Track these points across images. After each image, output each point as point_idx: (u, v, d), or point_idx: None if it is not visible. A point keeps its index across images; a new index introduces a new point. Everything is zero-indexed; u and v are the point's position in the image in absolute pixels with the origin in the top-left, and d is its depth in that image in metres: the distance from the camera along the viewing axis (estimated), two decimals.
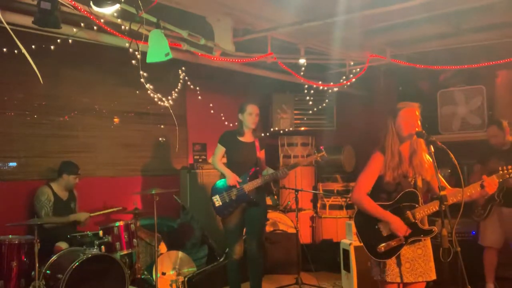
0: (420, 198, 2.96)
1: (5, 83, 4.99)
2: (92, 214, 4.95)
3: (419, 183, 3.00)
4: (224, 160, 4.67)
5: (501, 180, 2.94)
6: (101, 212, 5.07)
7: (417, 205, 2.94)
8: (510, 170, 2.97)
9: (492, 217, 4.65)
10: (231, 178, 4.43)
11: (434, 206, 2.89)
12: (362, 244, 3.03)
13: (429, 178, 3.02)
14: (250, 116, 4.50)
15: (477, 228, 4.91)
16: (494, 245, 4.71)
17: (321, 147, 4.73)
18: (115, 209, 5.15)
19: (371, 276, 3.08)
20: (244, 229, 4.61)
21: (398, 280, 2.92)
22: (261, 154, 4.65)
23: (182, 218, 6.01)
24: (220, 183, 4.54)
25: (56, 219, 4.66)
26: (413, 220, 2.92)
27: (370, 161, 3.04)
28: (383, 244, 2.92)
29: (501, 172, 2.97)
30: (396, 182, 2.98)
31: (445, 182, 3.03)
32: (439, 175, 2.79)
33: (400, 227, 2.89)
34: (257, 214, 4.51)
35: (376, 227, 2.98)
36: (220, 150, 4.61)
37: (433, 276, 2.98)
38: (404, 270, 2.93)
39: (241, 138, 4.57)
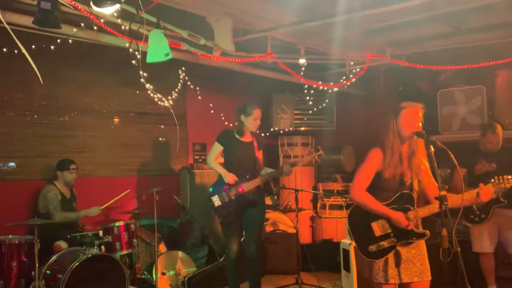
0: (415, 200, 2.94)
1: (5, 83, 4.99)
2: (102, 207, 4.97)
3: (415, 185, 2.98)
4: (221, 159, 4.66)
5: (496, 188, 2.92)
6: (111, 202, 5.05)
7: (411, 207, 2.92)
8: (506, 179, 2.94)
9: (490, 221, 4.53)
10: (228, 176, 4.41)
11: (429, 209, 2.88)
12: (353, 242, 3.01)
13: (425, 182, 3.00)
14: (255, 121, 4.49)
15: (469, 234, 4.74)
16: (492, 250, 4.61)
17: (318, 147, 4.74)
18: (122, 194, 5.14)
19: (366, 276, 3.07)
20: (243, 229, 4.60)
21: (392, 281, 2.90)
22: (259, 154, 4.62)
23: (182, 218, 6.01)
24: (218, 183, 4.53)
25: (68, 214, 4.72)
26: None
27: (368, 157, 3.02)
28: (374, 244, 2.92)
29: (496, 181, 2.95)
30: (395, 180, 2.96)
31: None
32: (435, 178, 2.77)
33: (401, 220, 2.86)
34: (256, 214, 4.50)
35: (369, 226, 2.95)
36: (218, 148, 4.58)
37: (429, 276, 2.96)
38: (398, 271, 2.90)
39: (239, 138, 4.56)
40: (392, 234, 2.92)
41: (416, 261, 2.94)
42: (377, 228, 2.95)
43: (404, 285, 2.96)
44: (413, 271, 2.92)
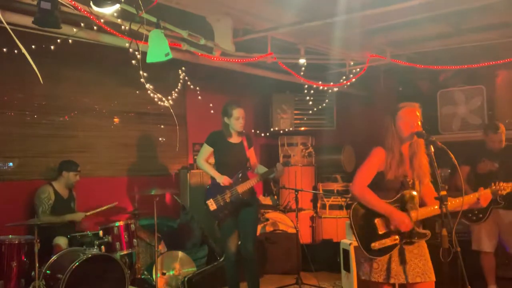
0: (417, 200, 2.93)
1: (5, 83, 4.99)
2: (88, 214, 4.91)
3: (417, 186, 2.97)
4: (212, 161, 4.64)
5: (493, 194, 2.96)
6: (96, 211, 4.97)
7: (414, 207, 2.91)
8: (502, 187, 2.99)
9: (489, 220, 4.56)
10: (222, 178, 4.39)
11: (430, 211, 2.88)
12: (355, 238, 2.96)
13: (426, 183, 2.98)
14: (237, 120, 4.43)
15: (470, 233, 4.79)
16: (491, 249, 4.63)
17: (308, 145, 4.74)
18: (109, 206, 5.05)
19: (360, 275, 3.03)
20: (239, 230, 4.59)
21: (392, 281, 2.88)
22: (250, 153, 4.59)
23: (182, 218, 6.01)
24: (212, 186, 4.50)
25: (52, 219, 4.65)
26: None
27: (370, 155, 3.01)
28: (377, 242, 2.88)
29: (494, 187, 2.98)
30: (399, 181, 2.95)
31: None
32: (435, 178, 2.78)
33: (402, 222, 2.83)
34: (250, 214, 4.48)
35: (373, 223, 2.92)
36: (207, 150, 4.54)
37: (432, 278, 2.91)
38: (399, 271, 2.88)
39: (228, 139, 4.52)
40: (395, 232, 2.90)
41: (418, 261, 2.90)
42: (381, 225, 2.92)
43: (407, 285, 2.93)
44: (415, 271, 2.88)
